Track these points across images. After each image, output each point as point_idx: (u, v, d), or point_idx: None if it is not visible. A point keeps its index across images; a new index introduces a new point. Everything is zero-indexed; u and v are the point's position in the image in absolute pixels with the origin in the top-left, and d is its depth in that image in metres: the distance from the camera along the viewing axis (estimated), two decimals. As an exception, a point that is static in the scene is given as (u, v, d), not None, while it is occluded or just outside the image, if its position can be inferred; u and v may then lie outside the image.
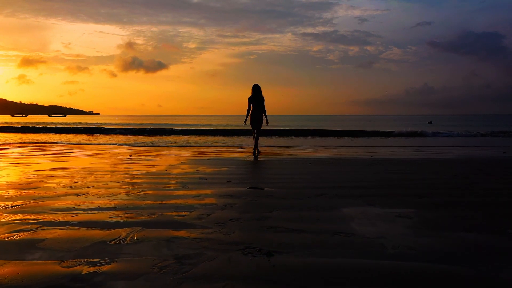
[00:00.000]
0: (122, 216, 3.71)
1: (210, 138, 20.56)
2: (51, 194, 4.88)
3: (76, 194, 4.84)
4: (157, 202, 4.44)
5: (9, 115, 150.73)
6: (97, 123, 49.95)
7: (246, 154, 11.17)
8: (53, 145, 15.12)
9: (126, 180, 6.12)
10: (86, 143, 17.00)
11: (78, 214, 3.82)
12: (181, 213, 3.86)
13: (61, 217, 3.68)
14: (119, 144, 16.05)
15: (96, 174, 6.73)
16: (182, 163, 8.82)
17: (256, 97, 10.46)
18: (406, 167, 7.89)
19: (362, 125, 47.63)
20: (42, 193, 4.91)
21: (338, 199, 4.55)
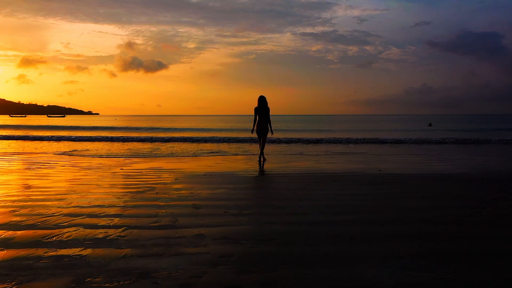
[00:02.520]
0: (86, 283, 2.95)
1: (209, 146, 19.79)
2: (15, 237, 4.11)
3: (44, 237, 4.09)
4: (138, 251, 3.70)
5: (8, 115, 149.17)
6: (94, 126, 49.38)
7: (246, 166, 10.45)
8: (43, 155, 14.39)
9: (109, 209, 5.38)
10: (81, 154, 16.27)
11: (35, 275, 3.07)
12: (165, 274, 3.12)
13: (11, 283, 2.93)
14: (114, 156, 15.32)
15: (78, 199, 6.01)
16: (176, 180, 8.11)
17: (262, 108, 11.09)
18: (420, 188, 7.19)
19: (362, 126, 46.90)
20: (5, 235, 4.16)
21: (355, 246, 3.81)
